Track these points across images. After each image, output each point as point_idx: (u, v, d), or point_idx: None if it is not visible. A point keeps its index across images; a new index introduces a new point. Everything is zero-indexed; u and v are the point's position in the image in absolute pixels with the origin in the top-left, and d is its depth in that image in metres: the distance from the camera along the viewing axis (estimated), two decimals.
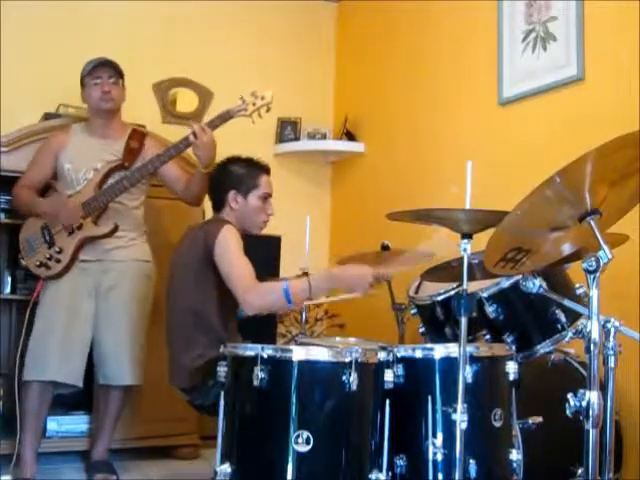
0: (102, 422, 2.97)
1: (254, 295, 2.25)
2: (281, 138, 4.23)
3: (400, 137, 3.86)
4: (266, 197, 2.56)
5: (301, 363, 1.89)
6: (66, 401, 3.15)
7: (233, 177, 2.54)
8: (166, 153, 2.83)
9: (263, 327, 3.29)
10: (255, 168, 2.57)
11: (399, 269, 2.39)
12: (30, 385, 2.77)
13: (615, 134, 1.45)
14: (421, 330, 2.54)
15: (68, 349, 2.80)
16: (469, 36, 3.41)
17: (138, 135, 3.01)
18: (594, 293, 1.55)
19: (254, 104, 2.75)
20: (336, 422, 1.90)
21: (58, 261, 2.83)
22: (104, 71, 2.89)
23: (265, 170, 2.58)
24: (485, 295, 2.22)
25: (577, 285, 2.31)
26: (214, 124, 2.76)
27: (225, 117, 2.76)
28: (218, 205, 2.56)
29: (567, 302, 2.06)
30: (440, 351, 2.01)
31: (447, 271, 2.36)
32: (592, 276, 1.54)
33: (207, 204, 3.00)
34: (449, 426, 1.87)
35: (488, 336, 2.26)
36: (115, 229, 2.86)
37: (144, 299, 2.98)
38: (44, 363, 2.76)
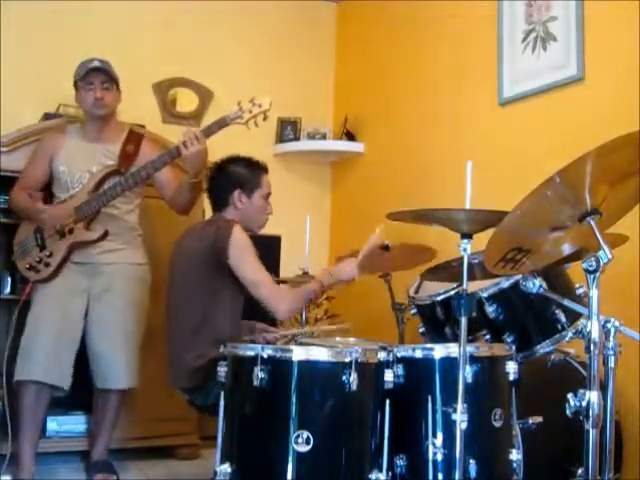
0: (100, 424, 2.96)
1: (286, 304, 2.40)
2: (281, 138, 4.23)
3: (400, 137, 3.86)
4: (267, 196, 2.59)
5: (301, 363, 1.89)
6: (66, 401, 3.14)
7: (237, 177, 2.56)
8: (160, 159, 2.78)
9: None
10: (257, 168, 2.60)
11: (367, 250, 2.56)
12: (25, 385, 2.76)
13: (615, 134, 1.44)
14: (421, 330, 2.54)
15: (58, 350, 2.78)
16: (469, 36, 3.41)
17: (135, 138, 2.98)
18: (594, 293, 1.55)
19: (250, 111, 2.68)
20: (336, 422, 1.91)
21: (47, 265, 2.82)
22: (97, 76, 2.86)
23: (266, 170, 2.62)
24: (485, 295, 2.22)
25: (577, 285, 2.30)
26: (209, 132, 2.69)
27: (221, 124, 2.69)
28: (220, 205, 2.57)
29: (567, 302, 2.06)
30: (440, 351, 2.01)
31: (447, 271, 2.36)
32: (592, 276, 1.54)
33: (207, 203, 3.00)
34: (449, 426, 1.87)
35: (488, 336, 2.26)
36: (105, 235, 2.83)
37: (139, 302, 2.97)
38: (33, 363, 2.75)
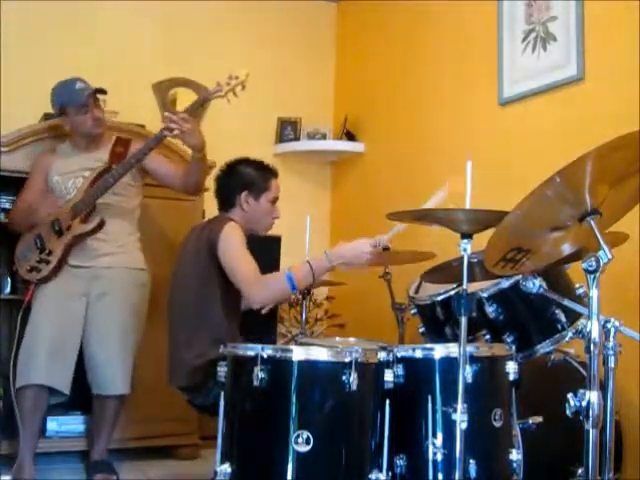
0: (99, 429, 2.96)
1: (259, 287, 2.29)
2: (281, 138, 4.22)
3: (400, 137, 3.86)
4: (275, 201, 2.59)
5: (301, 363, 1.89)
6: (65, 401, 3.14)
7: (246, 178, 2.55)
8: (146, 145, 2.82)
9: (263, 327, 3.29)
10: (267, 171, 2.60)
11: (394, 234, 2.39)
12: (24, 389, 2.76)
13: (615, 134, 1.44)
14: (421, 330, 2.54)
15: (57, 354, 2.79)
16: (469, 36, 3.41)
17: (123, 142, 3.00)
18: (594, 293, 1.55)
19: (228, 84, 2.75)
20: (336, 422, 1.90)
21: (47, 263, 2.83)
22: (89, 98, 2.87)
23: (275, 174, 2.62)
24: (485, 295, 2.22)
25: (577, 285, 2.30)
26: (191, 110, 2.77)
27: (201, 101, 2.78)
28: (227, 205, 2.56)
29: (567, 302, 2.06)
30: (440, 351, 2.01)
31: (447, 271, 2.36)
32: (592, 276, 1.54)
33: (207, 203, 3.01)
34: (449, 426, 1.87)
35: (488, 336, 2.26)
36: (101, 223, 2.83)
37: (137, 307, 2.96)
38: (33, 367, 2.75)
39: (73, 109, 2.88)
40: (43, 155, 3.05)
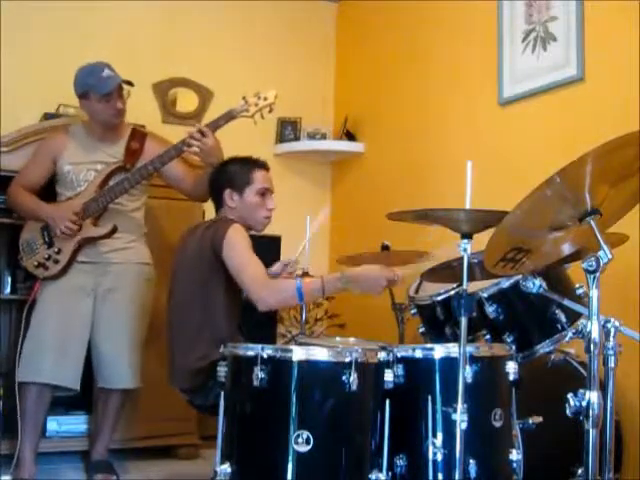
0: (101, 424, 2.96)
1: (269, 292, 2.26)
2: (281, 138, 4.23)
3: (400, 137, 3.86)
4: (264, 192, 2.54)
5: (301, 363, 1.89)
6: (66, 401, 3.15)
7: (227, 175, 2.54)
8: (166, 154, 2.79)
9: (263, 327, 3.30)
10: (249, 164, 2.55)
11: (412, 272, 2.38)
12: (27, 386, 2.75)
13: (615, 134, 1.45)
14: (421, 330, 2.54)
15: (64, 350, 2.78)
16: (469, 36, 3.41)
17: (139, 135, 2.98)
18: (594, 293, 1.55)
19: (256, 105, 2.71)
20: (336, 422, 1.90)
21: (56, 262, 2.82)
22: (115, 88, 2.84)
23: (260, 165, 2.56)
24: (485, 295, 2.22)
25: (577, 285, 2.30)
26: (216, 125, 2.72)
27: (227, 118, 2.72)
28: (217, 205, 2.56)
29: (567, 302, 2.06)
30: (440, 351, 2.01)
31: (447, 271, 2.36)
32: (592, 276, 1.54)
33: (207, 203, 3.01)
34: (449, 426, 1.87)
35: (488, 336, 2.26)
36: (114, 230, 2.83)
37: (144, 301, 2.97)
38: (39, 364, 2.75)
39: (96, 95, 2.82)
40: (55, 135, 2.99)
